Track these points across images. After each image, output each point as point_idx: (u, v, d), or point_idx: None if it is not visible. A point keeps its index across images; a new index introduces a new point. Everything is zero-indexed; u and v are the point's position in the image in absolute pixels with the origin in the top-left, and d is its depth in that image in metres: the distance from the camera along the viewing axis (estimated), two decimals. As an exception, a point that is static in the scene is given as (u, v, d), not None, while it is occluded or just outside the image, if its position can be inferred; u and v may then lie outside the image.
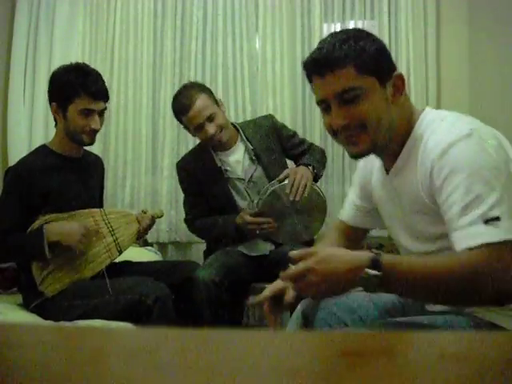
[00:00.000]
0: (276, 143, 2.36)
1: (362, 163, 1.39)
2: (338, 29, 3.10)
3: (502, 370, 0.37)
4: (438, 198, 1.06)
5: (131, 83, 3.02)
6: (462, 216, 1.00)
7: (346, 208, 1.47)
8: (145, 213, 2.07)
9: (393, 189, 1.23)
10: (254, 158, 2.31)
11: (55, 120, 1.95)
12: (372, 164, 1.33)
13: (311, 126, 3.03)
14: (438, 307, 1.24)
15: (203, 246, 2.93)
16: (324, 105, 1.15)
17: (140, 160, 3.03)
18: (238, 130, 2.36)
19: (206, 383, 0.34)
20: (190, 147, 3.05)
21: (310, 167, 2.24)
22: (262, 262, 2.29)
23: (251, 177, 2.30)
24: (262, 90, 3.04)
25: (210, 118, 2.17)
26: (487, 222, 0.98)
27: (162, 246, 3.06)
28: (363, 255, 1.01)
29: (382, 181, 1.28)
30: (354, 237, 1.45)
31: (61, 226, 1.81)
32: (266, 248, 2.32)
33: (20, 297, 1.94)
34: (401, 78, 1.14)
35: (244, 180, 2.31)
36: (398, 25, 3.05)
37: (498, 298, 1.00)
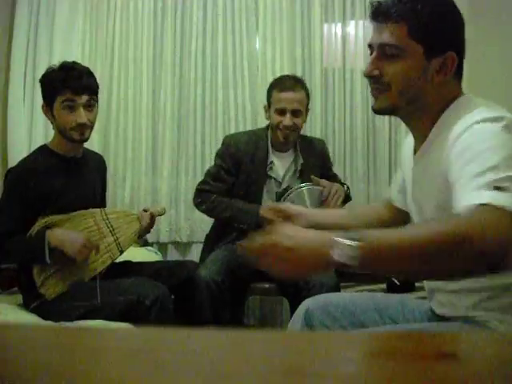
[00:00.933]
0: (318, 168, 2.38)
1: (404, 144, 1.36)
2: (339, 29, 3.10)
3: (501, 370, 0.37)
4: (450, 175, 0.99)
5: (131, 83, 3.02)
6: (472, 180, 0.91)
7: (391, 187, 1.44)
8: (146, 211, 2.07)
9: (417, 170, 1.19)
10: (298, 169, 2.33)
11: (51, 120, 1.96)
12: (408, 143, 1.30)
13: (311, 125, 3.03)
14: (447, 311, 1.21)
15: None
16: (370, 50, 1.14)
17: (140, 160, 3.03)
18: (295, 141, 2.38)
19: (205, 383, 0.34)
20: (190, 147, 3.06)
21: (345, 186, 2.29)
22: None
23: (288, 184, 2.30)
24: (261, 90, 3.03)
25: (295, 113, 2.24)
26: (497, 188, 0.88)
27: (161, 246, 3.06)
28: (329, 235, 0.88)
29: (410, 161, 1.24)
30: (396, 216, 1.36)
31: (63, 234, 1.80)
32: None
33: (20, 297, 1.94)
34: (452, 59, 1.08)
35: (281, 184, 2.32)
36: (398, 25, 3.05)
37: (490, 266, 0.85)
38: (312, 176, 2.24)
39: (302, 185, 2.20)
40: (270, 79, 3.00)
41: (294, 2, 3.05)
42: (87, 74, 1.92)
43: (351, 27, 3.12)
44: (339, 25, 3.09)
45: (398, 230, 0.92)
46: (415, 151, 1.20)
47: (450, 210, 0.97)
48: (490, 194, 0.87)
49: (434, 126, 1.12)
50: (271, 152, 2.34)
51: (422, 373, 0.37)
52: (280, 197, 2.26)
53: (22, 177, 1.83)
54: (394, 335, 0.52)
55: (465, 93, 1.16)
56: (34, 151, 2.00)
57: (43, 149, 1.97)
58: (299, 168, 2.34)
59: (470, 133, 0.99)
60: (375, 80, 1.12)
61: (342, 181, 2.55)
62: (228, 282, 2.08)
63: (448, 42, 1.09)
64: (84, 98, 1.87)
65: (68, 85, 1.85)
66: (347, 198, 2.30)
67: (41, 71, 2.89)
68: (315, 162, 2.38)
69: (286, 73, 3.01)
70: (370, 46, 1.14)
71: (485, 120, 1.00)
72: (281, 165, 2.34)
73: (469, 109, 1.06)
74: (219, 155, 2.35)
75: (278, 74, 3.01)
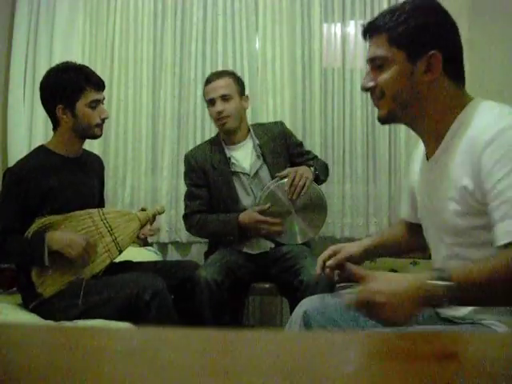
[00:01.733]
0: (283, 148, 2.41)
1: (412, 155, 1.38)
2: (339, 29, 3.10)
3: (501, 370, 0.37)
4: (483, 184, 1.01)
5: (131, 83, 3.02)
6: (509, 207, 0.95)
7: (402, 204, 1.47)
8: (144, 210, 2.07)
9: (431, 175, 1.20)
10: (259, 154, 2.36)
11: (55, 122, 1.94)
12: (418, 153, 1.32)
13: (311, 126, 3.03)
14: (453, 313, 1.21)
15: (203, 246, 2.92)
16: (368, 65, 1.21)
17: (140, 160, 3.03)
18: (248, 129, 2.43)
19: (206, 383, 0.34)
20: (191, 147, 3.05)
21: (312, 168, 2.27)
22: (262, 260, 2.29)
23: (256, 173, 2.34)
24: (261, 90, 3.04)
25: (225, 98, 2.29)
26: None
27: (161, 246, 3.06)
28: (421, 277, 0.98)
29: (422, 168, 1.25)
30: (416, 231, 1.38)
31: (62, 237, 1.80)
32: (266, 246, 2.33)
33: (20, 297, 1.94)
34: (436, 57, 1.11)
35: (249, 175, 2.35)
36: (397, 25, 3.05)
37: None
38: (277, 174, 2.26)
39: (268, 184, 2.24)
40: (270, 79, 3.02)
41: (294, 2, 3.05)
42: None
43: (351, 27, 3.12)
44: (339, 25, 3.09)
45: (483, 266, 0.98)
46: (427, 157, 1.21)
47: (471, 215, 1.02)
48: None
49: (449, 130, 1.13)
50: (227, 149, 2.38)
51: (422, 373, 0.37)
52: (252, 190, 2.33)
53: (20, 176, 1.83)
54: (394, 335, 0.52)
55: (473, 96, 1.17)
56: (32, 151, 2.00)
57: (41, 149, 1.97)
58: (259, 151, 2.36)
59: (502, 140, 1.00)
60: (372, 91, 1.18)
61: (321, 158, 2.58)
62: (228, 283, 2.08)
63: (428, 42, 1.12)
64: (102, 95, 1.96)
65: (91, 82, 1.90)
66: (318, 178, 2.30)
67: (41, 71, 2.90)
68: (275, 142, 2.40)
69: (286, 73, 3.02)
70: (367, 61, 1.21)
71: (505, 129, 1.01)
72: (242, 157, 2.38)
73: (489, 113, 1.08)
74: (185, 174, 2.45)
75: (278, 74, 3.02)
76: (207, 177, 2.35)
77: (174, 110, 3.05)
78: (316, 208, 2.22)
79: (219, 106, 2.28)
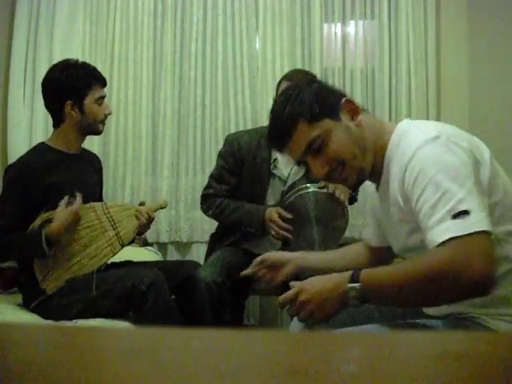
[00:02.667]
0: None
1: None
2: (339, 29, 3.10)
3: (501, 370, 0.37)
4: (411, 201, 1.06)
5: (131, 83, 3.02)
6: (432, 215, 0.99)
7: (366, 229, 1.49)
8: (143, 204, 2.07)
9: (381, 205, 1.25)
10: (304, 169, 2.23)
11: (58, 119, 1.95)
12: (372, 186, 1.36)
13: (311, 125, 3.03)
14: (436, 311, 1.23)
15: (203, 246, 2.92)
16: (303, 164, 1.26)
17: (140, 160, 3.03)
18: None
19: (206, 383, 0.34)
20: (190, 147, 3.06)
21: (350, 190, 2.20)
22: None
23: (294, 182, 2.26)
24: (261, 90, 3.04)
25: None
26: (455, 216, 0.96)
27: (162, 246, 3.06)
28: (344, 273, 1.07)
29: (376, 199, 1.32)
30: (379, 256, 1.42)
31: (53, 224, 1.78)
32: (273, 246, 2.30)
33: (20, 297, 1.94)
34: (349, 102, 1.18)
35: (286, 182, 2.28)
36: (398, 25, 3.05)
37: (478, 289, 0.95)
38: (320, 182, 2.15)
39: (307, 185, 2.12)
40: (270, 79, 3.02)
41: (294, 2, 3.05)
42: None
43: (351, 27, 3.12)
44: (339, 25, 3.09)
45: (391, 269, 1.08)
46: (377, 188, 1.26)
47: (420, 231, 1.05)
48: (450, 226, 0.96)
49: (385, 160, 1.17)
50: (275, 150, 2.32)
51: (422, 373, 0.37)
52: (283, 196, 2.22)
53: (21, 173, 1.84)
54: (394, 335, 0.52)
55: (402, 119, 1.23)
56: (33, 148, 2.01)
57: (42, 146, 1.98)
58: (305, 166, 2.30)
59: (415, 161, 1.05)
60: (334, 174, 1.19)
61: None
62: (228, 283, 2.08)
63: (333, 97, 1.19)
64: (105, 91, 2.01)
65: (98, 79, 1.96)
66: (352, 200, 2.27)
67: (41, 71, 2.91)
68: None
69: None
70: (299, 163, 1.27)
71: (424, 143, 1.05)
72: (285, 162, 2.27)
73: (405, 135, 1.13)
74: (221, 155, 2.32)
75: (278, 74, 3.01)
76: (244, 167, 2.25)
77: (174, 110, 3.05)
78: (337, 225, 2.16)
79: None
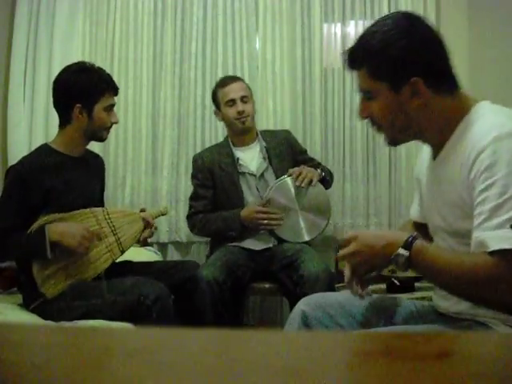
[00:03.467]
0: (288, 154, 2.51)
1: (420, 154, 1.39)
2: (339, 29, 3.10)
3: (501, 370, 0.37)
4: (473, 189, 1.04)
5: (131, 83, 3.02)
6: (492, 216, 0.99)
7: (412, 204, 1.46)
8: (143, 211, 2.07)
9: (435, 176, 1.22)
10: (266, 157, 2.44)
11: (64, 121, 1.94)
12: (425, 152, 1.33)
13: (311, 126, 3.03)
14: (450, 306, 1.22)
15: (203, 246, 2.93)
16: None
17: (140, 160, 3.03)
18: (257, 133, 2.54)
19: (206, 383, 0.34)
20: (191, 147, 3.06)
21: (318, 170, 2.38)
22: (263, 258, 2.31)
23: (262, 174, 2.43)
24: (262, 90, 3.03)
25: (244, 100, 2.42)
26: None
27: (162, 246, 3.06)
28: (401, 234, 1.10)
29: (428, 168, 1.28)
30: (424, 233, 1.38)
31: (63, 226, 1.80)
32: (269, 241, 2.35)
33: (20, 297, 1.94)
34: (418, 83, 1.11)
35: (255, 176, 2.42)
36: (398, 25, 3.05)
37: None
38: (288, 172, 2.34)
39: (276, 180, 2.34)
40: (270, 79, 3.02)
41: (294, 2, 3.05)
42: None
43: (351, 27, 3.12)
44: (339, 25, 3.09)
45: (443, 254, 1.09)
46: (434, 157, 1.23)
47: (471, 218, 1.05)
48: (508, 235, 0.96)
49: (453, 135, 1.14)
50: (235, 150, 2.46)
51: (421, 373, 0.37)
52: (258, 191, 2.41)
53: (23, 174, 1.83)
54: (394, 335, 0.52)
55: (479, 100, 1.17)
56: (35, 149, 2.00)
57: (45, 147, 1.97)
58: (265, 153, 2.45)
59: (489, 152, 1.02)
60: (370, 121, 1.21)
61: (324, 164, 2.68)
62: (229, 282, 2.09)
63: (407, 70, 1.11)
64: (115, 99, 2.00)
65: (111, 87, 1.95)
66: (323, 181, 2.39)
67: (41, 71, 2.91)
68: (281, 147, 2.50)
69: (286, 73, 3.02)
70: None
71: (503, 137, 1.02)
72: (249, 158, 2.47)
73: (482, 119, 1.09)
74: (192, 175, 2.53)
75: (277, 74, 3.02)
76: (214, 177, 2.43)
77: (174, 110, 3.05)
78: (321, 207, 2.29)
79: (240, 106, 2.39)
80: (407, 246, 1.06)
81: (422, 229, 1.40)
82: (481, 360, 0.39)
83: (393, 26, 1.13)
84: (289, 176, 2.31)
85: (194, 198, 2.49)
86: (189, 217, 2.50)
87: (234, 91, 2.41)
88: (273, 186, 2.31)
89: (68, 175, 1.92)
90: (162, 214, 2.12)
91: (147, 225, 2.01)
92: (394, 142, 1.23)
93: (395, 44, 1.11)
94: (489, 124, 1.07)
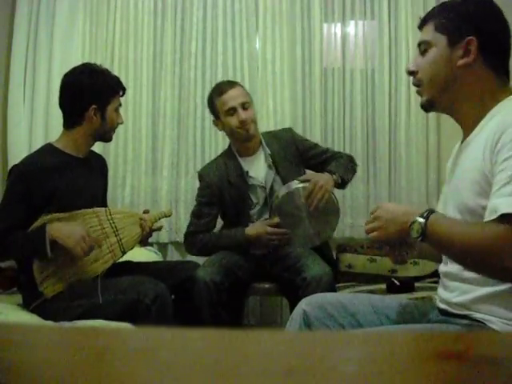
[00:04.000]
0: (295, 155, 2.36)
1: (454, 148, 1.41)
2: (339, 29, 3.10)
3: (501, 370, 0.37)
4: (495, 162, 1.07)
5: (131, 83, 3.02)
6: (508, 183, 1.01)
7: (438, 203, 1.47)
8: (146, 212, 2.07)
9: (460, 158, 1.25)
10: (271, 164, 2.31)
11: (74, 122, 1.93)
12: (455, 147, 1.36)
13: (311, 125, 3.03)
14: (454, 296, 1.22)
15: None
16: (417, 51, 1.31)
17: (140, 160, 3.03)
18: (260, 139, 2.37)
19: (206, 383, 0.34)
20: (190, 147, 3.06)
21: (335, 175, 2.21)
22: (263, 260, 2.30)
23: (272, 186, 2.30)
24: (262, 90, 3.04)
25: (244, 106, 2.25)
26: None
27: (162, 246, 3.06)
28: (420, 208, 1.16)
29: (455, 153, 1.32)
30: None
31: (62, 226, 1.79)
32: (272, 246, 2.32)
33: (20, 297, 1.94)
34: (473, 42, 1.17)
35: (265, 188, 2.31)
36: (397, 25, 3.05)
37: None
38: (298, 178, 2.19)
39: (288, 184, 2.17)
40: (270, 79, 3.02)
41: (294, 2, 3.05)
42: None
43: (351, 27, 3.12)
44: (339, 25, 3.09)
45: (455, 225, 1.13)
46: (462, 142, 1.27)
47: (487, 197, 1.08)
48: None
49: (485, 117, 1.18)
50: (242, 161, 2.33)
51: (422, 373, 0.37)
52: (268, 201, 2.28)
53: (26, 174, 1.83)
54: (394, 335, 0.52)
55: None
56: (39, 149, 2.00)
57: (49, 147, 1.96)
58: (270, 161, 2.32)
59: None
60: (414, 76, 1.27)
61: (343, 151, 2.57)
62: (227, 283, 2.08)
63: (468, 28, 1.19)
64: (121, 100, 2.04)
65: (121, 88, 2.01)
66: (343, 183, 2.26)
67: (41, 71, 2.91)
68: (285, 150, 2.35)
69: (285, 73, 3.02)
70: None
71: None
72: (257, 169, 2.34)
73: None
74: (198, 191, 2.39)
75: (278, 74, 3.02)
76: (222, 193, 2.31)
77: (174, 110, 3.05)
78: (329, 214, 2.19)
79: (242, 114, 2.23)
80: (424, 215, 1.12)
81: None
82: (481, 360, 0.39)
83: None
84: (301, 182, 2.14)
85: (196, 215, 2.35)
86: (188, 235, 2.37)
87: (233, 99, 2.24)
88: (284, 189, 2.18)
89: (72, 175, 1.92)
90: (166, 216, 2.11)
91: (143, 227, 1.99)
92: (429, 103, 1.26)
93: (467, 4, 1.21)
94: None
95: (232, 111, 2.24)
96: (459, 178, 1.21)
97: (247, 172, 2.31)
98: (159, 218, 2.06)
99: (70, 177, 1.91)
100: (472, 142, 1.20)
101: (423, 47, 1.25)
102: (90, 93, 1.91)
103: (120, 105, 2.01)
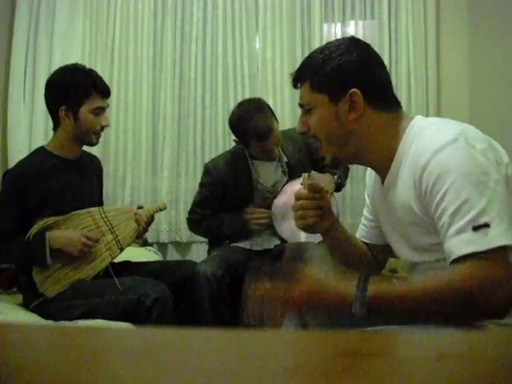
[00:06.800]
0: (307, 157, 2.34)
1: (367, 174, 1.37)
2: (338, 29, 3.10)
3: (501, 370, 0.37)
4: (428, 206, 1.04)
5: (131, 83, 3.02)
6: (452, 224, 0.98)
7: (360, 225, 1.45)
8: (140, 208, 2.07)
9: (387, 201, 1.21)
10: (286, 170, 2.32)
11: (56, 123, 1.93)
12: (371, 177, 1.33)
13: (311, 126, 3.03)
14: None
15: (203, 246, 2.92)
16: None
17: (140, 160, 3.03)
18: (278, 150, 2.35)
19: (206, 383, 0.34)
20: (190, 147, 3.06)
21: (336, 176, 2.23)
22: (265, 257, 2.31)
23: (281, 189, 2.30)
24: (262, 90, 3.04)
25: (275, 141, 2.21)
26: (476, 228, 0.95)
27: (162, 246, 3.06)
28: (349, 290, 1.00)
29: (379, 193, 1.27)
30: (374, 253, 1.40)
31: (62, 235, 1.81)
32: (271, 242, 2.34)
33: (20, 297, 1.94)
34: (356, 95, 1.12)
35: (273, 191, 2.32)
36: (398, 25, 3.05)
37: (496, 310, 0.95)
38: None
39: (285, 184, 2.23)
40: (270, 79, 3.02)
41: (294, 2, 3.06)
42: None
43: (351, 27, 3.12)
44: (339, 25, 3.09)
45: (404, 289, 1.02)
46: (382, 183, 1.22)
47: (433, 233, 1.04)
48: (472, 239, 0.95)
49: (395, 158, 1.14)
50: (252, 164, 2.31)
51: (419, 373, 0.37)
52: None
53: (19, 179, 1.82)
54: (393, 335, 0.52)
55: (413, 116, 1.19)
56: (32, 153, 1.98)
57: (41, 151, 1.95)
58: (286, 167, 2.32)
59: (433, 165, 1.02)
60: (307, 136, 1.22)
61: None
62: (228, 278, 2.10)
63: (346, 82, 1.14)
64: (106, 102, 1.93)
65: (99, 89, 1.88)
66: (340, 187, 2.29)
67: (41, 71, 2.91)
68: (299, 152, 2.34)
69: (286, 73, 3.02)
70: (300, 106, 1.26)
71: (442, 146, 1.02)
72: (267, 173, 2.33)
73: (420, 135, 1.10)
74: (203, 185, 2.36)
75: (278, 74, 3.02)
76: (227, 191, 2.31)
77: (174, 110, 3.05)
78: None
79: (276, 150, 2.23)
80: (362, 298, 0.99)
81: (372, 250, 1.41)
82: (481, 360, 0.39)
83: (338, 43, 1.19)
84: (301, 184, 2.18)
85: (200, 205, 2.35)
86: (190, 221, 2.41)
87: (272, 143, 2.18)
88: (278, 191, 2.25)
89: (65, 178, 1.91)
90: (160, 210, 2.10)
91: (138, 222, 1.99)
92: (334, 160, 1.21)
93: (337, 58, 1.15)
94: (428, 138, 1.07)
95: (269, 148, 2.21)
96: (401, 223, 1.17)
97: (256, 178, 2.31)
98: (154, 212, 2.05)
99: (63, 180, 1.89)
100: (394, 186, 1.15)
101: (306, 108, 1.19)
102: (59, 93, 1.86)
103: (102, 107, 1.90)
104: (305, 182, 1.24)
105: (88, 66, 1.97)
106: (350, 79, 1.14)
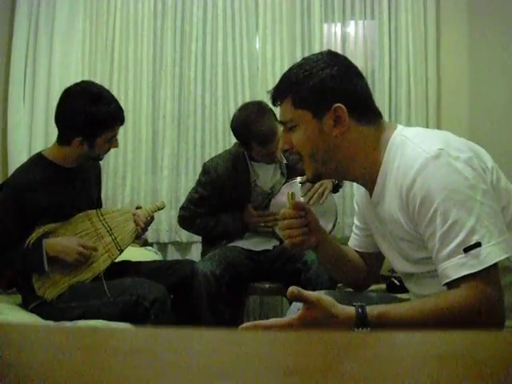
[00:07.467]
0: None
1: (355, 184, 1.35)
2: (339, 29, 3.10)
3: (501, 370, 0.37)
4: (417, 226, 1.04)
5: (131, 83, 3.02)
6: (443, 247, 0.97)
7: (352, 234, 1.44)
8: (139, 208, 2.07)
9: (377, 214, 1.21)
10: (285, 172, 2.33)
11: (64, 142, 1.87)
12: (359, 189, 1.31)
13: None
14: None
15: (203, 246, 2.91)
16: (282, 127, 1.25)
17: (140, 160, 3.03)
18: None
19: (206, 383, 0.34)
20: (190, 147, 3.06)
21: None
22: (264, 258, 2.31)
23: (279, 191, 2.30)
24: (262, 90, 3.03)
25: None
26: (467, 250, 0.95)
27: (162, 246, 3.06)
28: (350, 317, 0.98)
29: (367, 205, 1.27)
30: (368, 261, 1.39)
31: (59, 243, 1.81)
32: (270, 243, 2.34)
33: (19, 297, 1.94)
34: (340, 109, 1.11)
35: (271, 193, 2.33)
36: (398, 25, 3.05)
37: (495, 324, 0.95)
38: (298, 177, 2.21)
39: (284, 184, 2.25)
40: (270, 79, 3.02)
41: (294, 2, 3.05)
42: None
43: (351, 27, 3.12)
44: (339, 25, 3.09)
45: (405, 311, 1.00)
46: (371, 196, 1.21)
47: (424, 247, 1.04)
48: (464, 261, 0.95)
49: (380, 172, 1.13)
50: (251, 166, 2.32)
51: (420, 373, 0.37)
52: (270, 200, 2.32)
53: (17, 190, 1.81)
54: (393, 335, 0.52)
55: (394, 125, 1.17)
56: (29, 161, 1.95)
57: (39, 158, 1.91)
58: (285, 169, 2.33)
59: (418, 186, 1.01)
60: (290, 153, 1.22)
61: None
62: (227, 277, 2.10)
63: (329, 97, 1.12)
64: (120, 129, 1.91)
65: (119, 121, 1.86)
66: (336, 187, 2.28)
67: (41, 71, 2.91)
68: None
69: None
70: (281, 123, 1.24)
71: (425, 164, 1.01)
72: (266, 175, 2.34)
73: (401, 150, 1.08)
74: (200, 183, 2.35)
75: (278, 74, 3.01)
76: (224, 191, 2.30)
77: (174, 110, 3.05)
78: (326, 214, 2.21)
79: (279, 154, 2.24)
80: (363, 321, 0.98)
81: (365, 258, 1.40)
82: (481, 360, 0.39)
83: (316, 59, 1.16)
84: (302, 179, 2.16)
85: (195, 203, 2.33)
86: (182, 218, 2.37)
87: (273, 147, 2.17)
88: (277, 191, 2.26)
89: (63, 187, 1.89)
90: (159, 209, 2.10)
91: (137, 223, 1.98)
92: (315, 177, 1.20)
93: (318, 73, 1.13)
94: (410, 154, 1.05)
95: (272, 151, 2.21)
96: (393, 236, 1.16)
97: (255, 180, 2.32)
98: (153, 212, 2.05)
99: (61, 188, 1.88)
100: (382, 201, 1.15)
101: (288, 125, 1.17)
102: (77, 124, 1.80)
103: (116, 135, 1.88)
104: (289, 201, 1.21)
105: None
106: (333, 94, 1.12)
